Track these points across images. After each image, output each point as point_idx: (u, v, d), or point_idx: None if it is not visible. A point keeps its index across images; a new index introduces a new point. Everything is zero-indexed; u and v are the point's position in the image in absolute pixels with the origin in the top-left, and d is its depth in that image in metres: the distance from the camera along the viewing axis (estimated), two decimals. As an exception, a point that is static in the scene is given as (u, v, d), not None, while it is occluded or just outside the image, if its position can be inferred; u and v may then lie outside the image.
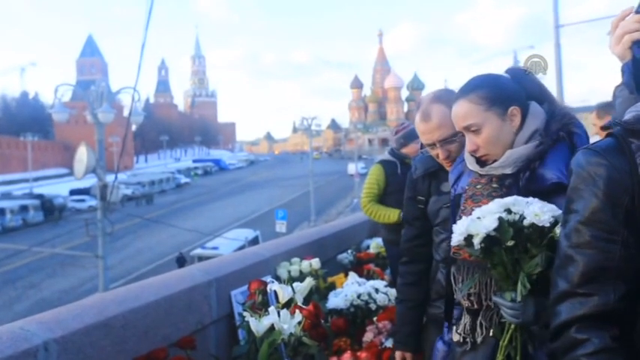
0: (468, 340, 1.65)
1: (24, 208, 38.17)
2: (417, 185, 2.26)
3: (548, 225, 1.37)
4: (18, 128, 70.88)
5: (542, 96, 1.77)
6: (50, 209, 40.65)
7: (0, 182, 58.91)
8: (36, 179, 60.18)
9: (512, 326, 1.47)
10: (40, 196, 43.17)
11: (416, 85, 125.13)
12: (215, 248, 21.25)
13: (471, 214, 1.60)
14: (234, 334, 2.48)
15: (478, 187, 1.72)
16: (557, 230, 1.32)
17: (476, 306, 1.61)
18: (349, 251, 4.01)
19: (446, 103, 1.99)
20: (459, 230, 1.46)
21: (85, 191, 41.02)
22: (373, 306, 2.77)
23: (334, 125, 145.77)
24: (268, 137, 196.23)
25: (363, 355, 2.29)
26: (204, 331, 2.34)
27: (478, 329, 1.62)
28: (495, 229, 1.38)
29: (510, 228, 1.39)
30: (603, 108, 3.06)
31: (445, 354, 1.87)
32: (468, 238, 1.42)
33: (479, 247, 1.41)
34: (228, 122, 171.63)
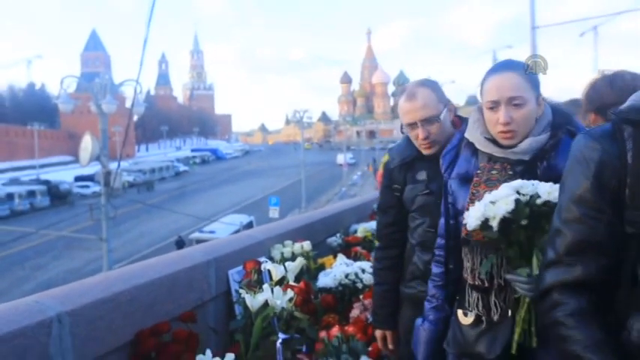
0: (483, 319, 1.59)
1: (31, 193, 37.84)
2: (393, 174, 2.25)
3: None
4: (25, 118, 70.09)
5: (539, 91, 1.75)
6: (56, 194, 40.33)
7: (8, 169, 58.33)
8: (42, 166, 59.65)
9: (527, 300, 1.45)
10: (46, 182, 42.78)
11: (402, 81, 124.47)
12: (212, 232, 21.22)
13: (483, 197, 1.58)
14: (231, 310, 2.48)
15: (493, 172, 1.66)
16: None
17: (487, 284, 1.56)
18: (338, 235, 4.02)
19: (431, 87, 2.04)
20: (476, 215, 1.44)
21: (89, 178, 40.72)
22: (360, 285, 2.78)
23: (325, 118, 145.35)
24: (262, 128, 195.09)
25: (350, 329, 2.31)
26: (203, 306, 2.34)
27: (493, 308, 1.56)
28: (511, 211, 1.38)
29: (526, 208, 1.39)
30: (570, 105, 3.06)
31: (432, 333, 1.82)
32: (485, 222, 1.41)
33: (497, 228, 1.39)
34: (224, 114, 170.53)
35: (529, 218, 1.39)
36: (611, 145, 1.11)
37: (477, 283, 1.59)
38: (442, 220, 1.82)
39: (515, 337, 1.47)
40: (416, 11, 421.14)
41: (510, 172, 1.61)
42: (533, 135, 1.62)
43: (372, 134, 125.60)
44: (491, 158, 1.69)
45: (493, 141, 1.68)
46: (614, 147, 1.11)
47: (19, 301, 1.63)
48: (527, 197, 1.41)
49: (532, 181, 1.45)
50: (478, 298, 1.60)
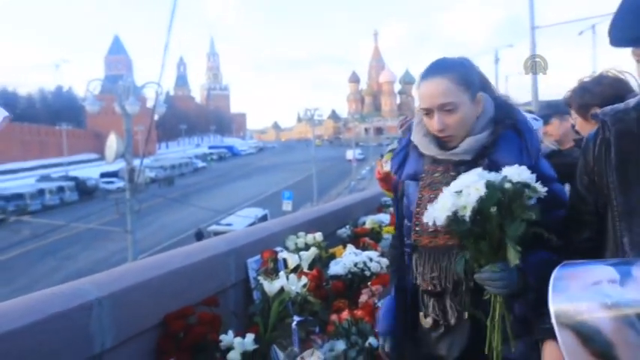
0: (441, 323, 1.52)
1: (61, 189, 38.23)
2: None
3: (529, 181, 1.29)
4: (54, 118, 70.65)
5: (484, 84, 1.62)
6: (84, 190, 40.71)
7: (39, 166, 58.85)
8: (70, 163, 60.11)
9: (500, 299, 1.33)
10: (74, 179, 43.20)
11: (407, 80, 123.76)
12: (229, 224, 21.27)
13: (430, 202, 1.47)
14: (249, 295, 2.53)
15: (436, 175, 1.56)
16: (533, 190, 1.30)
17: (438, 289, 1.50)
18: (347, 226, 4.06)
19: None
20: (444, 207, 1.30)
21: (114, 174, 40.85)
22: (368, 273, 2.82)
23: (334, 115, 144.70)
24: (275, 126, 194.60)
25: (359, 313, 2.35)
26: (224, 292, 2.39)
27: (450, 311, 1.49)
28: (484, 196, 1.25)
29: (497, 192, 1.27)
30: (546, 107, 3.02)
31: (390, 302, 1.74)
32: (455, 213, 1.28)
33: (469, 219, 1.26)
34: (239, 113, 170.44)
35: (499, 204, 1.27)
36: (593, 142, 1.31)
37: (429, 288, 1.53)
38: (403, 222, 1.70)
39: (495, 344, 1.33)
40: (418, 11, 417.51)
41: (453, 173, 1.51)
42: (474, 134, 1.53)
43: (379, 131, 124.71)
44: (435, 160, 1.59)
45: (436, 142, 1.58)
46: (594, 143, 1.31)
47: (62, 286, 1.71)
48: (498, 179, 1.30)
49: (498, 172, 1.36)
50: (433, 303, 1.53)
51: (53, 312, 1.46)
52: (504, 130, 1.54)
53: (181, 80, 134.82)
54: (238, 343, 1.85)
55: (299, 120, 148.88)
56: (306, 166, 45.02)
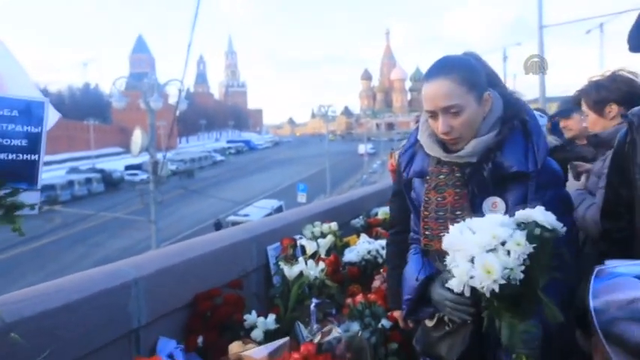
0: (446, 321, 1.48)
1: (89, 181, 38.72)
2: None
3: (556, 225, 1.10)
4: (81, 114, 71.37)
5: (494, 81, 1.51)
6: (110, 182, 41.19)
7: (68, 159, 59.59)
8: (97, 156, 60.91)
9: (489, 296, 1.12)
10: (101, 171, 43.71)
11: (418, 77, 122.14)
12: (246, 215, 21.37)
13: (436, 205, 1.43)
14: (269, 280, 2.57)
15: (441, 177, 1.46)
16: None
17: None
18: (361, 217, 4.07)
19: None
20: (459, 281, 1.09)
21: (138, 167, 41.40)
22: (380, 260, 2.82)
23: (347, 112, 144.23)
24: (290, 122, 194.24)
25: (372, 297, 2.38)
26: (247, 276, 2.43)
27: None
28: (530, 257, 1.05)
29: (538, 241, 1.07)
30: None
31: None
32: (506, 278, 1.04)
33: (520, 282, 1.04)
34: (256, 109, 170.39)
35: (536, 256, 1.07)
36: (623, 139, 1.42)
37: None
38: (394, 204, 1.75)
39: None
40: (429, 11, 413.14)
41: (458, 175, 1.42)
42: (480, 135, 1.41)
43: (390, 126, 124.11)
44: (439, 161, 1.49)
45: (440, 143, 1.48)
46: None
47: (104, 267, 1.79)
48: (532, 228, 1.09)
49: (514, 216, 1.14)
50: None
51: (98, 290, 1.54)
52: (511, 131, 1.42)
53: (201, 78, 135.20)
54: (261, 322, 1.90)
55: (313, 116, 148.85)
56: (320, 159, 44.96)
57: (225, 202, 25.25)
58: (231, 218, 21.57)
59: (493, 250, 1.05)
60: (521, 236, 1.06)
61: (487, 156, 1.39)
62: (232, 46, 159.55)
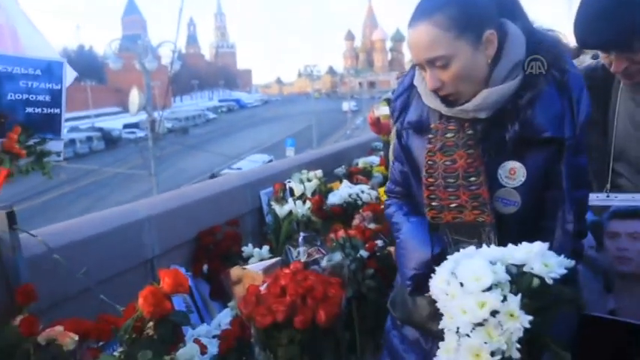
0: None
1: (89, 139, 38.03)
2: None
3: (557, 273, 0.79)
4: (78, 75, 69.15)
5: (514, 11, 1.07)
6: (109, 139, 40.57)
7: (68, 118, 58.19)
8: (96, 116, 59.60)
9: None
10: (100, 129, 42.96)
11: (398, 38, 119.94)
12: (239, 169, 21.37)
13: (444, 170, 1.08)
14: (262, 220, 2.67)
15: (448, 135, 1.09)
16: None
17: None
18: (343, 166, 4.18)
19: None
20: (447, 324, 0.82)
21: (135, 125, 40.62)
22: (360, 202, 2.92)
23: (331, 71, 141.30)
24: (278, 81, 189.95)
25: (352, 232, 2.54)
26: (243, 217, 2.53)
27: None
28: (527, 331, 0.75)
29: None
30: None
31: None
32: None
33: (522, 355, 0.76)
34: (245, 69, 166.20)
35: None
36: None
37: None
38: (395, 165, 1.31)
39: None
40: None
41: (470, 132, 1.06)
42: (494, 84, 1.03)
43: (372, 85, 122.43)
44: (443, 115, 1.11)
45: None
46: None
47: (119, 207, 1.90)
48: (530, 281, 0.79)
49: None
50: None
51: (118, 225, 1.66)
52: (546, 85, 1.03)
53: (192, 39, 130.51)
54: (257, 252, 2.03)
55: (299, 75, 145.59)
56: (307, 116, 44.57)
57: (219, 157, 25.12)
58: (226, 171, 21.53)
59: (481, 324, 0.76)
60: (515, 304, 0.76)
61: (511, 113, 1.03)
62: (221, 7, 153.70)
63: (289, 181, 2.54)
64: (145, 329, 1.11)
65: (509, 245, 0.87)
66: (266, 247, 2.07)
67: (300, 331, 1.10)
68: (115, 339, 1.19)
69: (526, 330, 0.75)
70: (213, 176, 22.54)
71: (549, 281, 0.78)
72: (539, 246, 0.83)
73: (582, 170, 1.12)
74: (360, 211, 2.91)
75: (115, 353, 1.11)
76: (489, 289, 0.77)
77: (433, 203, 1.13)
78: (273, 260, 1.66)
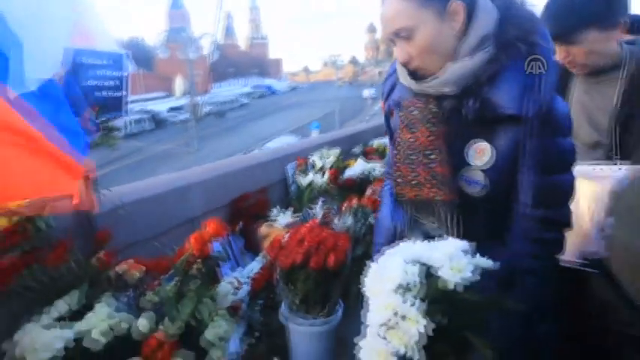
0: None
1: (141, 120, 38.98)
2: None
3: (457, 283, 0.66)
4: (135, 65, 69.88)
5: None
6: (157, 121, 41.34)
7: (122, 102, 59.37)
8: (145, 100, 60.63)
9: None
10: (149, 112, 43.79)
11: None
12: (268, 148, 21.57)
13: (407, 147, 0.98)
14: (287, 190, 2.75)
15: (415, 112, 0.99)
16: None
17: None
18: (359, 146, 4.24)
19: None
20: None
21: (179, 108, 41.19)
22: (372, 177, 2.98)
23: (354, 61, 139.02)
24: (305, 70, 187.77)
25: (364, 201, 2.64)
26: (271, 187, 2.62)
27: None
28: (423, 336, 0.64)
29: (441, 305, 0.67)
30: None
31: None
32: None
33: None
34: (276, 59, 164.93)
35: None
36: None
37: None
38: (390, 147, 1.21)
39: None
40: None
41: (433, 109, 0.96)
42: (460, 58, 0.91)
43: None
44: (414, 93, 1.02)
45: (410, 70, 1.00)
46: None
47: (170, 175, 2.06)
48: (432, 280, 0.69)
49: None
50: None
51: (171, 188, 1.80)
52: (512, 59, 0.89)
53: (229, 31, 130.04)
54: (282, 215, 2.18)
55: (325, 65, 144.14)
56: (330, 102, 44.27)
57: (251, 138, 25.38)
58: (256, 151, 21.70)
59: (392, 327, 0.67)
60: (413, 308, 0.65)
61: (472, 90, 0.91)
62: (255, 1, 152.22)
63: (311, 156, 2.64)
64: (193, 266, 1.28)
65: (451, 239, 0.75)
66: (290, 210, 2.18)
67: (314, 271, 1.24)
68: (170, 275, 1.36)
69: (441, 332, 0.64)
70: (245, 154, 22.84)
71: (453, 286, 0.65)
72: (453, 246, 0.71)
73: (558, 153, 0.91)
74: (372, 185, 3.02)
75: (172, 283, 1.27)
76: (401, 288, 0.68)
77: (398, 180, 1.03)
78: (294, 219, 1.79)
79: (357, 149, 4.25)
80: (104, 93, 1.51)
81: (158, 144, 26.03)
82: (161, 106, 50.56)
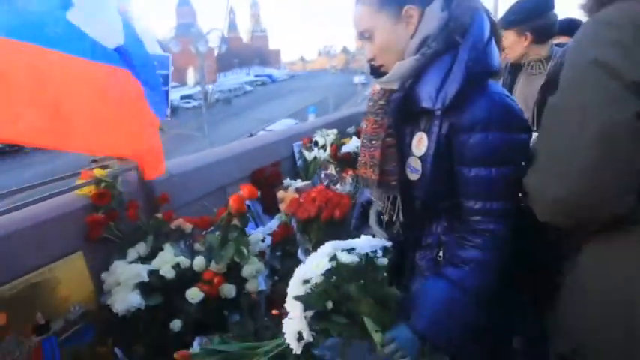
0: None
1: (154, 107, 38.39)
2: None
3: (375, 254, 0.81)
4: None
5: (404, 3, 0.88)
6: (172, 108, 40.60)
7: (136, 91, 58.24)
8: (158, 89, 59.50)
9: None
10: (164, 100, 43.09)
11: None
12: (271, 130, 21.43)
13: (364, 132, 1.00)
14: (294, 164, 2.85)
15: (370, 104, 1.02)
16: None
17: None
18: (353, 127, 4.36)
19: None
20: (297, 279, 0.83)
21: (189, 96, 40.68)
22: None
23: (345, 50, 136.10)
24: (302, 59, 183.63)
25: (358, 172, 2.81)
26: (281, 162, 2.72)
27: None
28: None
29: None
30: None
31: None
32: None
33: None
34: (275, 49, 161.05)
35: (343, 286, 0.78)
36: None
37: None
38: None
39: None
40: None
41: (381, 102, 0.97)
42: (407, 56, 0.90)
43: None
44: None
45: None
46: None
47: (205, 152, 2.23)
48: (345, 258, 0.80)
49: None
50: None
51: (205, 163, 1.98)
52: (437, 56, 0.86)
53: (232, 25, 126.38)
54: (292, 183, 2.34)
55: (319, 54, 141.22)
56: (325, 89, 43.74)
57: (255, 121, 25.23)
58: (261, 132, 21.55)
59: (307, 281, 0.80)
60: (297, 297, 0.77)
61: (402, 84, 0.91)
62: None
63: (315, 136, 2.80)
64: (232, 221, 1.49)
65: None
66: (299, 180, 2.38)
67: (325, 222, 1.46)
68: (213, 228, 1.57)
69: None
70: (250, 136, 22.71)
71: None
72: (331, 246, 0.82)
73: (482, 146, 0.82)
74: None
75: (216, 234, 1.48)
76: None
77: (359, 158, 1.05)
78: (304, 184, 1.99)
79: (351, 129, 4.39)
80: (155, 87, 1.66)
81: (174, 129, 25.88)
82: (173, 95, 49.80)
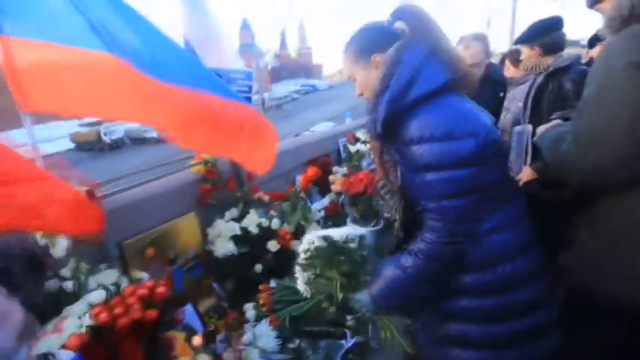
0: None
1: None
2: None
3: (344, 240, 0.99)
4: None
5: (426, 32, 0.89)
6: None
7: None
8: (224, 97, 61.30)
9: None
10: (228, 106, 44.35)
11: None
12: (313, 131, 21.34)
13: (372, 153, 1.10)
14: (339, 155, 2.89)
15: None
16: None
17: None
18: None
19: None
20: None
21: (249, 101, 41.47)
22: None
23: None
24: (340, 72, 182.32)
25: None
26: (329, 154, 2.80)
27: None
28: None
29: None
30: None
31: None
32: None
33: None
34: (318, 64, 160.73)
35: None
36: None
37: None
38: None
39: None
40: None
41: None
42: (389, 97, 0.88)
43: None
44: None
45: None
46: None
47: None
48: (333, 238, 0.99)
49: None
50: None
51: (278, 151, 2.12)
52: (378, 95, 0.89)
53: (283, 44, 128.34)
54: (340, 170, 2.42)
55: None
56: (360, 97, 42.94)
57: (301, 123, 25.43)
58: (305, 133, 21.61)
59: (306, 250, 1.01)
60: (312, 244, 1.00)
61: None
62: (302, 21, 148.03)
63: (357, 133, 2.89)
64: (299, 194, 1.64)
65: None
66: (344, 167, 2.47)
67: (369, 197, 1.57)
68: (284, 200, 1.74)
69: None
70: (296, 136, 22.83)
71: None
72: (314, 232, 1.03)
73: (408, 161, 0.86)
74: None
75: (287, 204, 1.65)
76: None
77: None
78: (349, 171, 2.08)
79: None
80: (242, 94, 1.86)
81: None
82: (236, 102, 51.14)
